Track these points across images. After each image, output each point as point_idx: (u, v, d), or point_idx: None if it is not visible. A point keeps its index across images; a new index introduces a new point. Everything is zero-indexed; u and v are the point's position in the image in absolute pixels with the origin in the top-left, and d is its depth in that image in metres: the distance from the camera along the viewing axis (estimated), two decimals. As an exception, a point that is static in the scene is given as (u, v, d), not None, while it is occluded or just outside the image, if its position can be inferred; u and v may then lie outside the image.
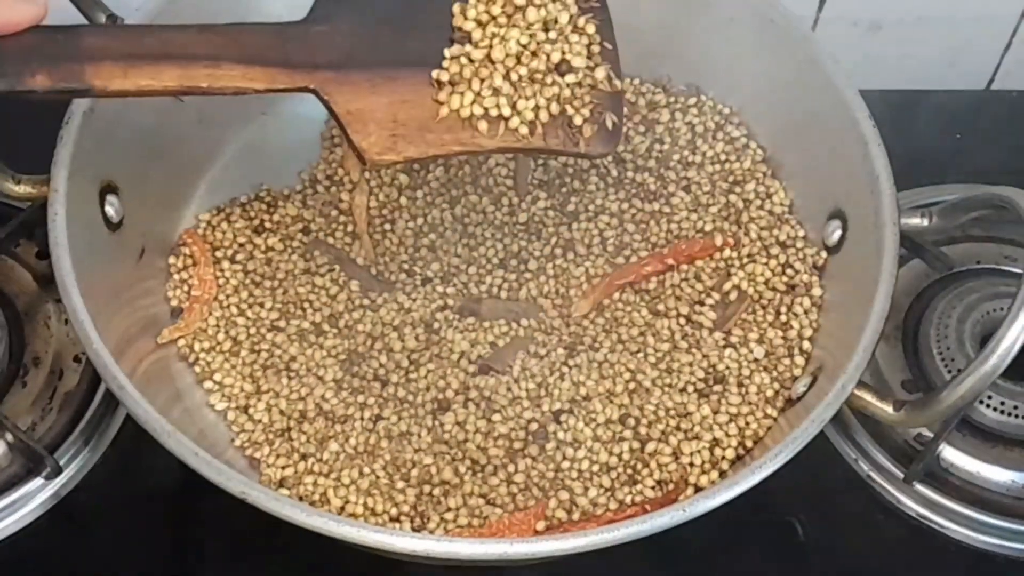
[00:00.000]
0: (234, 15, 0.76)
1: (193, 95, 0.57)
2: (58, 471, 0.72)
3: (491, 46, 0.62)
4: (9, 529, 0.71)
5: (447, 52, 0.61)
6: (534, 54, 0.62)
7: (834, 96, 0.73)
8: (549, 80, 0.62)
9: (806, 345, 0.73)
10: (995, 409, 0.77)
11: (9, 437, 0.71)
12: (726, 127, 0.82)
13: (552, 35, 0.63)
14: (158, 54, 0.56)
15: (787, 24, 0.76)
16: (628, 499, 0.68)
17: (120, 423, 0.75)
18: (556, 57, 0.62)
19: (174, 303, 0.75)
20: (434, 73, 0.61)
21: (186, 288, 0.75)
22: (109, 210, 0.70)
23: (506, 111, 0.62)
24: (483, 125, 0.62)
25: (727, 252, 0.77)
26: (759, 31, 0.77)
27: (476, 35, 0.62)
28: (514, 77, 0.62)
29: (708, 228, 0.78)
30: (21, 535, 0.71)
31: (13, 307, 0.78)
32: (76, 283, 0.63)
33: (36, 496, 0.72)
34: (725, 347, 0.73)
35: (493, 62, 0.62)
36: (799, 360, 0.72)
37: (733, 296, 0.75)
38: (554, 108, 0.63)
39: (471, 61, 0.62)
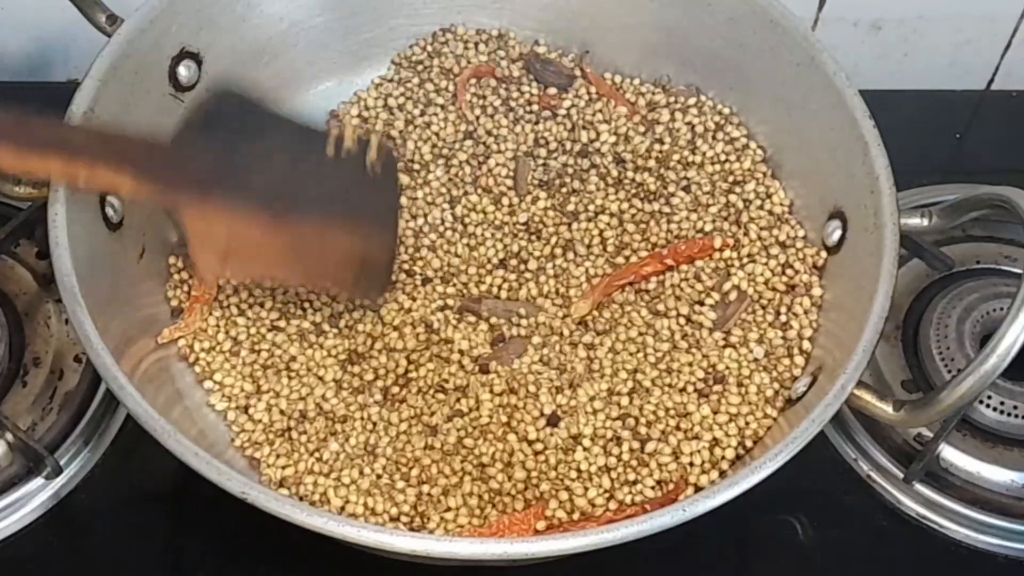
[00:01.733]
0: (234, 15, 0.77)
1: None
2: (58, 471, 0.72)
3: None
4: (9, 529, 0.71)
5: None
6: None
7: (834, 96, 0.73)
8: None
9: (806, 345, 0.73)
10: (995, 409, 0.77)
11: (9, 437, 0.71)
12: (726, 127, 0.82)
13: None
14: (47, 145, 0.61)
15: (787, 24, 0.76)
16: (628, 499, 0.68)
17: (120, 423, 0.75)
18: None
19: (174, 303, 0.75)
20: None
21: (186, 288, 0.75)
22: (109, 210, 0.70)
23: None
24: None
25: (727, 252, 0.77)
26: (759, 31, 0.77)
27: None
28: None
29: (708, 228, 0.78)
30: (21, 535, 0.71)
31: (13, 307, 0.78)
32: (76, 283, 0.63)
33: (36, 496, 0.72)
34: (725, 347, 0.73)
35: None
36: (799, 360, 0.72)
37: (733, 296, 0.75)
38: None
39: None
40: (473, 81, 0.84)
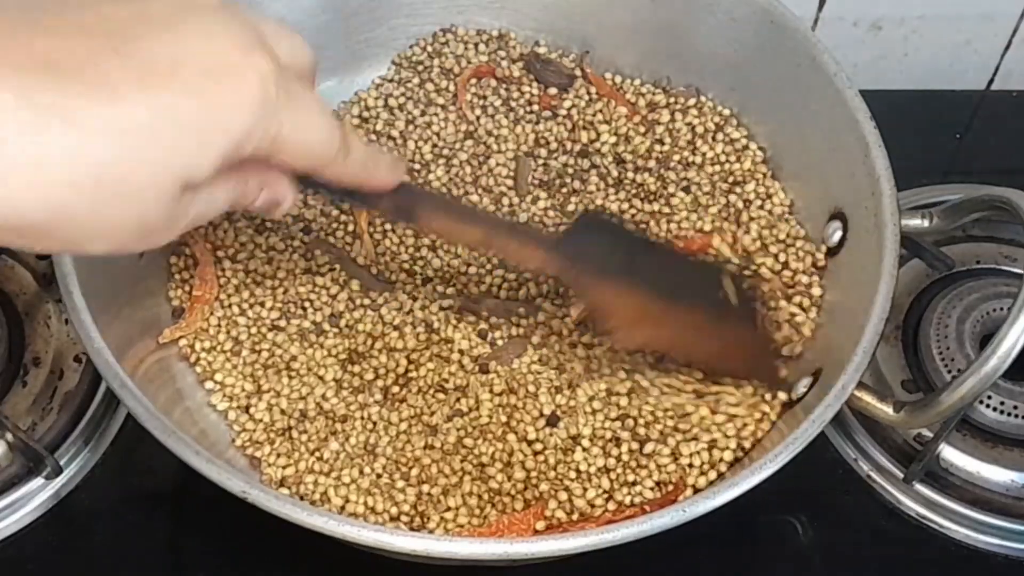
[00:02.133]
0: (234, 15, 0.76)
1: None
2: (58, 471, 0.72)
3: None
4: (9, 529, 0.71)
5: None
6: None
7: (834, 96, 0.73)
8: None
9: (805, 345, 0.73)
10: (995, 409, 0.77)
11: (9, 437, 0.71)
12: (726, 128, 0.82)
13: None
14: (464, 217, 0.66)
15: (788, 24, 0.76)
16: (627, 500, 0.68)
17: (120, 423, 0.76)
18: None
19: (175, 303, 0.75)
20: None
21: (187, 288, 0.75)
22: (109, 210, 0.70)
23: None
24: None
25: (726, 252, 0.77)
26: (760, 31, 0.77)
27: None
28: None
29: (708, 228, 0.78)
30: (21, 535, 0.71)
31: (13, 307, 0.78)
32: (77, 283, 0.63)
33: (36, 496, 0.72)
34: None
35: None
36: (797, 360, 0.72)
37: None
38: None
39: None
40: (473, 81, 0.84)
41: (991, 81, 1.01)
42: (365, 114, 0.83)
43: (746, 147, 0.81)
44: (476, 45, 0.85)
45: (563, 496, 0.67)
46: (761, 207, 0.78)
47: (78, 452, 0.74)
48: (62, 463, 0.72)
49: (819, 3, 0.93)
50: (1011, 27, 0.96)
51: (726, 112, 0.82)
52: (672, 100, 0.83)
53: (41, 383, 0.75)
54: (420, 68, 0.84)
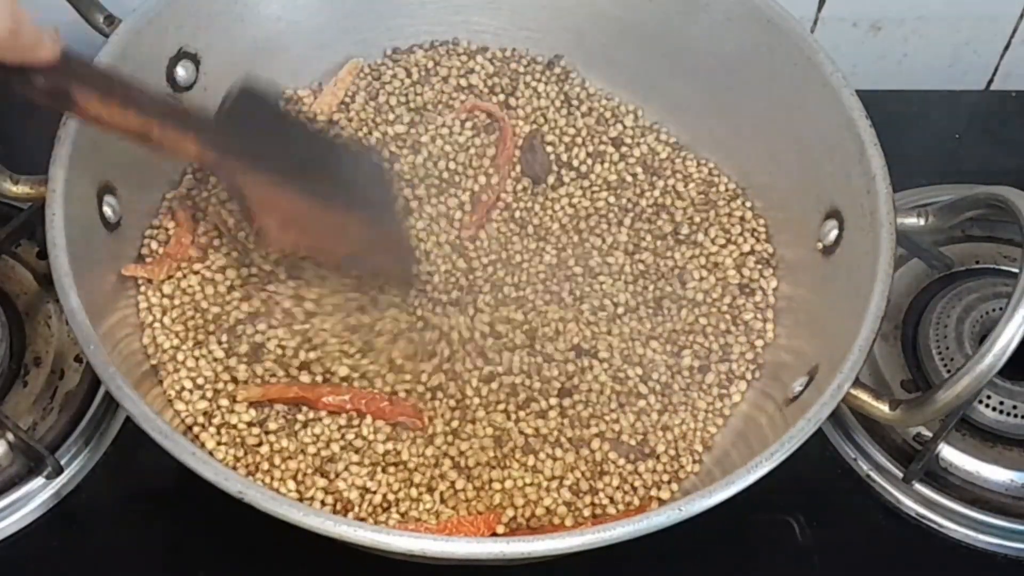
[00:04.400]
0: (232, 15, 0.77)
1: (143, 144, 0.65)
2: (59, 471, 0.72)
3: None
4: (9, 529, 0.71)
5: None
6: None
7: (831, 96, 0.73)
8: None
9: (757, 350, 0.76)
10: (994, 409, 0.77)
11: (10, 437, 0.71)
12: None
13: None
14: (125, 99, 0.64)
15: (784, 24, 0.76)
16: (587, 512, 0.69)
17: (120, 423, 0.76)
18: None
19: (144, 251, 0.75)
20: None
21: (163, 238, 0.75)
22: (107, 210, 0.70)
23: None
24: None
25: (687, 252, 0.79)
26: (756, 31, 0.77)
27: None
28: None
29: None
30: (21, 535, 0.72)
31: (14, 307, 0.78)
32: (74, 284, 0.63)
33: (37, 496, 0.72)
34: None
35: None
36: (750, 362, 0.75)
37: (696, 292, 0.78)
38: None
39: None
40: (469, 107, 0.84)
41: (990, 81, 1.01)
42: (363, 114, 0.83)
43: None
44: (475, 56, 0.85)
45: (520, 501, 0.69)
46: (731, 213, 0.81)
47: (78, 452, 0.74)
48: (62, 463, 0.72)
49: (819, 3, 0.93)
50: (1011, 27, 0.96)
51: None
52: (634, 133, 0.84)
53: (42, 383, 0.76)
54: (417, 70, 0.84)
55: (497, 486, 0.69)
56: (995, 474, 0.77)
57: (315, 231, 0.71)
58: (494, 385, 0.73)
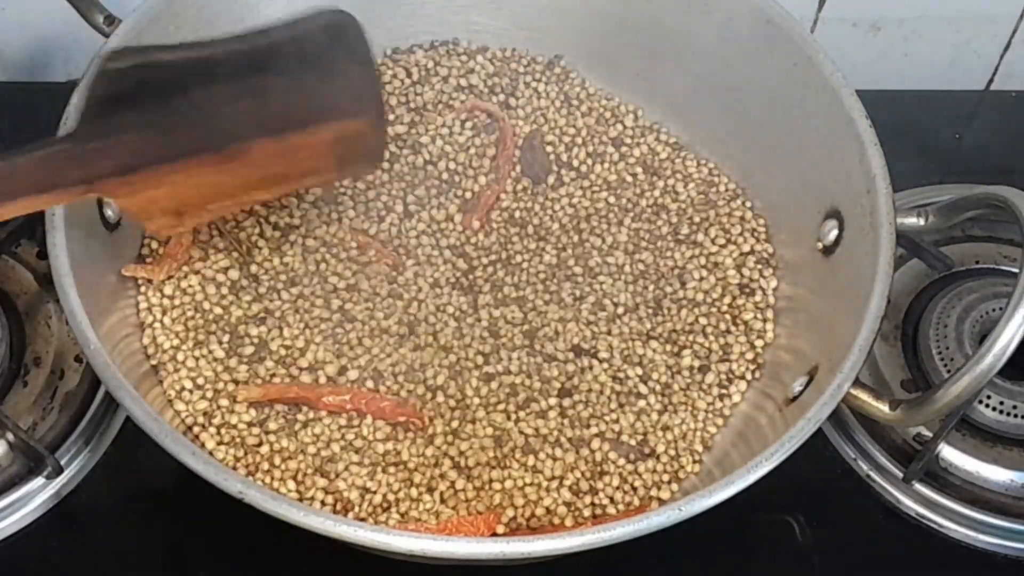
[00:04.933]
0: (233, 16, 0.77)
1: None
2: (59, 471, 0.72)
3: None
4: (9, 529, 0.71)
5: None
6: None
7: (830, 95, 0.73)
8: None
9: (757, 350, 0.76)
10: (994, 409, 0.77)
11: (10, 437, 0.71)
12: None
13: None
14: None
15: (784, 24, 0.76)
16: (587, 512, 0.69)
17: (121, 423, 0.76)
18: None
19: (144, 251, 0.75)
20: None
21: (162, 240, 0.75)
22: (107, 211, 0.70)
23: None
24: None
25: (687, 253, 0.79)
26: (756, 31, 0.77)
27: None
28: None
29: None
30: (21, 535, 0.72)
31: (14, 307, 0.78)
32: (74, 284, 0.63)
33: (37, 496, 0.72)
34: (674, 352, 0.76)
35: None
36: (749, 364, 0.75)
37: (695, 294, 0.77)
38: None
39: None
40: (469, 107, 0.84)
41: (990, 81, 1.00)
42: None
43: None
44: (475, 57, 0.85)
45: (520, 501, 0.69)
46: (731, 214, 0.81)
47: (78, 452, 0.74)
48: (63, 463, 0.72)
49: (819, 3, 0.93)
50: (1011, 27, 0.96)
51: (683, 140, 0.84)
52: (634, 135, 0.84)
53: (42, 383, 0.76)
54: (417, 71, 0.84)
55: (497, 486, 0.69)
56: (995, 474, 0.77)
57: (240, 185, 0.65)
58: (494, 385, 0.73)
